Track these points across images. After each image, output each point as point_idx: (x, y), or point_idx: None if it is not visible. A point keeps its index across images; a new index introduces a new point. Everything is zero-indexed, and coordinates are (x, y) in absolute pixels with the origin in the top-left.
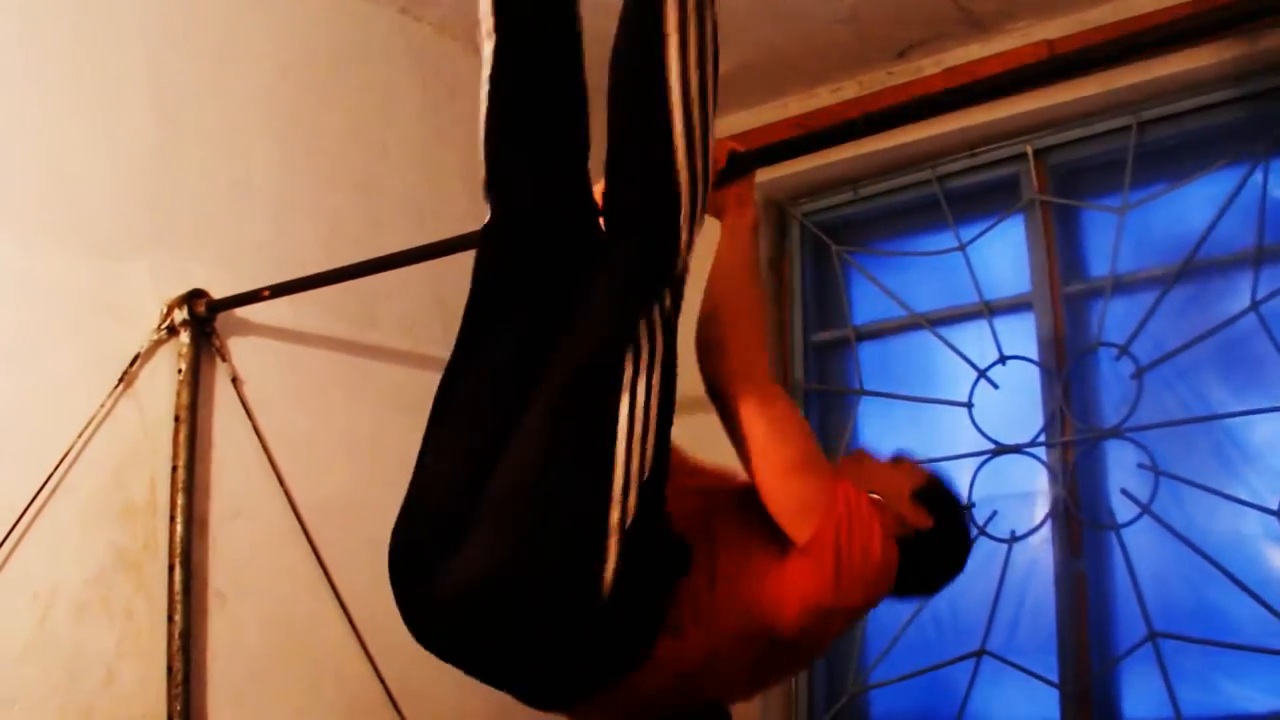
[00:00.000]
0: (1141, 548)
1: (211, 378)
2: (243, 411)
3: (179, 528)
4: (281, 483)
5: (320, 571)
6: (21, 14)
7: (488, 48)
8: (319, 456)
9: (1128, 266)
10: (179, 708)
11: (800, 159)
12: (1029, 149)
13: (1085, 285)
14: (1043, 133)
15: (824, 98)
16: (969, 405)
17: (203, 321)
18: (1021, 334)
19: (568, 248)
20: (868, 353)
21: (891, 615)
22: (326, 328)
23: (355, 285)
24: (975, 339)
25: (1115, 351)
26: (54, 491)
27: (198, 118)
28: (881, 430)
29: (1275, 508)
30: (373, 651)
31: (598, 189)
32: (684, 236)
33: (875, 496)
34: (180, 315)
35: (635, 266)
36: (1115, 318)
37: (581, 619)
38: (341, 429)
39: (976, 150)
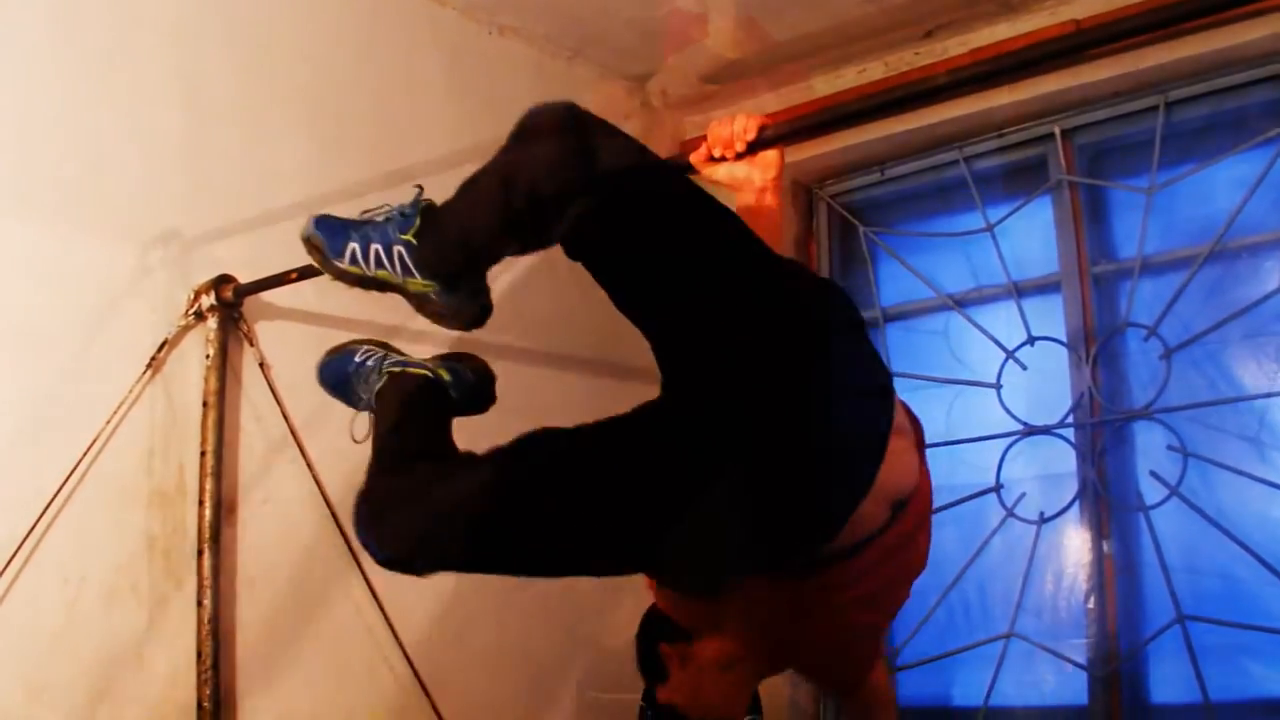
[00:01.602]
0: (1170, 530)
1: (239, 363)
2: (270, 396)
3: (207, 513)
4: (310, 467)
5: (349, 556)
6: (54, 3)
7: None
8: (345, 440)
9: (1156, 247)
10: (208, 692)
11: (827, 140)
12: (1057, 129)
13: (1113, 266)
14: (1070, 113)
15: (850, 79)
16: (997, 386)
17: (230, 307)
18: (1049, 315)
19: None
20: (895, 334)
21: (919, 598)
22: (353, 311)
23: None
24: (1003, 320)
25: (1144, 332)
26: (83, 478)
27: (226, 106)
28: None
29: None
30: (402, 637)
31: None
32: None
33: None
34: (208, 301)
35: None
36: (1143, 299)
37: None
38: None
39: (1004, 131)
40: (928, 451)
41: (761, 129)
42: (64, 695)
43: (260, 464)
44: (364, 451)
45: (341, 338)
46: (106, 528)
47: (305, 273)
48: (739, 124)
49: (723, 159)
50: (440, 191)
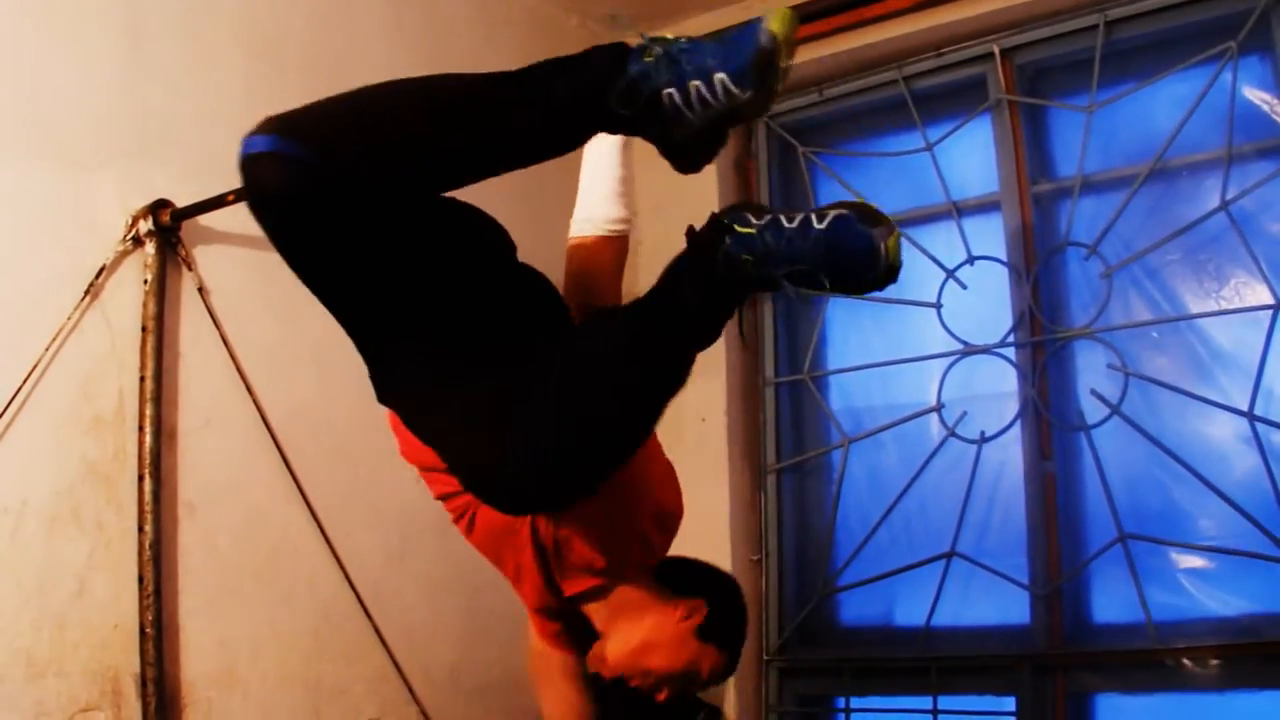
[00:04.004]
0: (1111, 449)
1: (178, 288)
2: (210, 321)
3: (148, 439)
4: (250, 392)
5: (290, 480)
6: None
7: None
8: (288, 365)
9: (1096, 166)
10: (150, 618)
11: None
12: (996, 49)
13: (1053, 185)
14: (1010, 32)
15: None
16: (938, 306)
17: (168, 231)
18: (989, 234)
19: None
20: None
21: (860, 518)
22: None
23: None
24: (943, 240)
25: (1084, 251)
26: (22, 405)
27: (163, 28)
28: (849, 332)
29: (1246, 409)
30: (343, 559)
31: None
32: None
33: None
34: (145, 226)
35: None
36: (1084, 218)
37: None
38: (310, 337)
39: (943, 50)
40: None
41: None
42: (6, 623)
43: (200, 389)
44: (306, 374)
45: (280, 261)
46: (46, 455)
47: (242, 195)
48: None
49: None
50: None
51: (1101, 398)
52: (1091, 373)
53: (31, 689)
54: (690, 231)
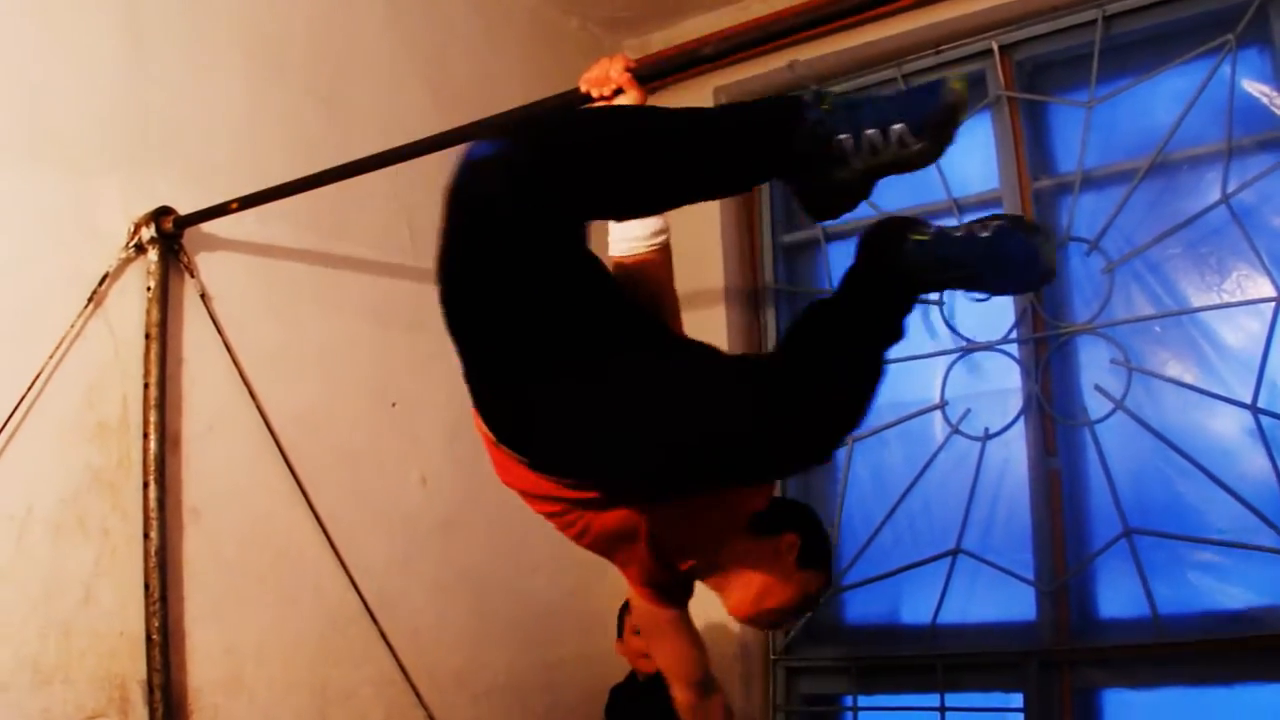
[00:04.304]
0: (1115, 444)
1: (181, 294)
2: (213, 327)
3: (152, 445)
4: (253, 397)
5: (294, 484)
6: None
7: None
8: (290, 370)
9: (1096, 161)
10: (156, 624)
11: (767, 60)
12: (995, 45)
13: (1054, 180)
14: (1008, 28)
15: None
16: (940, 303)
17: (170, 238)
18: None
19: None
20: (837, 253)
21: (864, 516)
22: (295, 241)
23: (323, 198)
24: None
25: (1085, 247)
26: (27, 413)
27: (165, 34)
28: None
29: (1249, 402)
30: (349, 563)
31: None
32: None
33: None
34: (148, 233)
35: None
36: (1084, 213)
37: None
38: (312, 341)
39: (942, 47)
40: None
41: (629, 68)
42: (13, 631)
43: (204, 395)
44: (308, 379)
45: (283, 267)
46: (51, 462)
47: (246, 203)
48: (603, 67)
49: (600, 98)
50: (379, 117)
51: (1105, 393)
52: (1094, 368)
53: (38, 696)
54: (865, 239)
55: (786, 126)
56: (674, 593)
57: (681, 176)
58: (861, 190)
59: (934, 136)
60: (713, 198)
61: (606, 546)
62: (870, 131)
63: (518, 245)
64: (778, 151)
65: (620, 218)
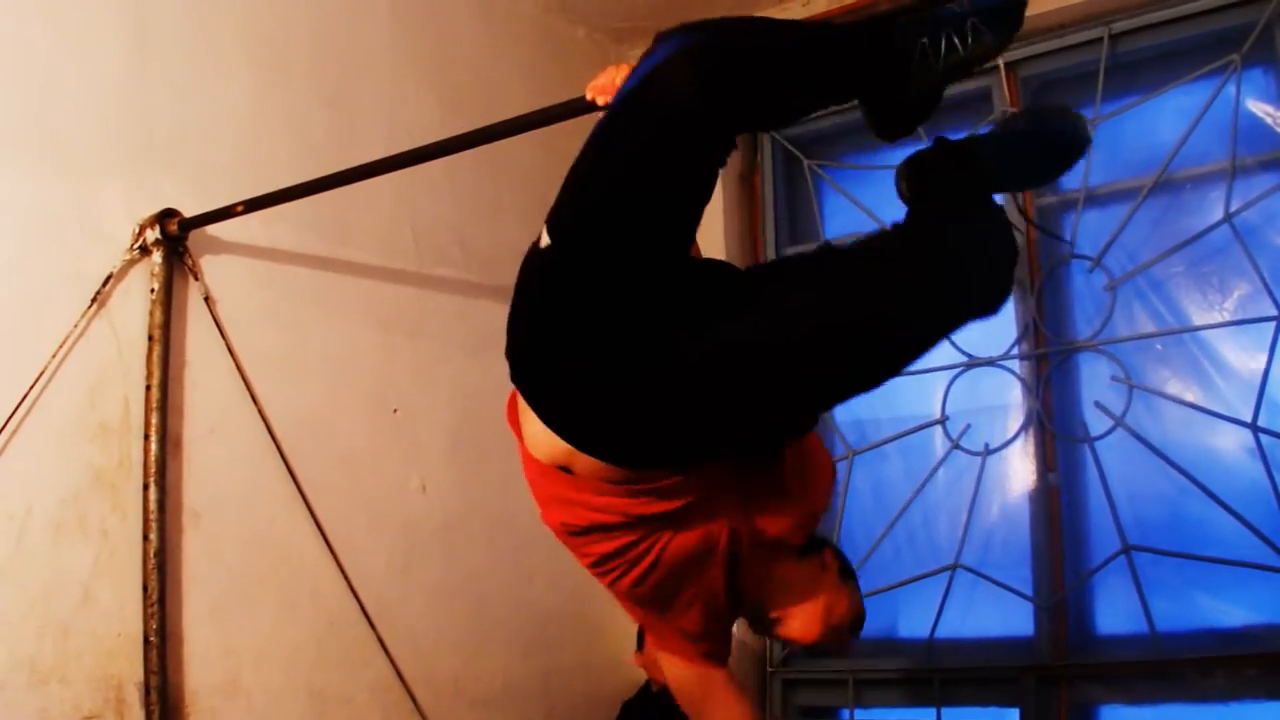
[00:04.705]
0: (1115, 461)
1: (184, 297)
2: (216, 330)
3: (153, 447)
4: (255, 401)
5: (295, 489)
6: None
7: None
8: (293, 374)
9: (1100, 179)
10: (155, 626)
11: None
12: (1000, 61)
13: (1057, 197)
14: (1014, 45)
15: (796, 10)
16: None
17: (175, 240)
18: None
19: None
20: None
21: (864, 530)
22: (299, 245)
23: (327, 202)
24: None
25: (1088, 264)
26: (29, 412)
27: (170, 36)
28: None
29: (1250, 420)
30: (348, 568)
31: None
32: None
33: None
34: (152, 235)
35: None
36: (1088, 230)
37: None
38: (315, 346)
39: None
40: None
41: None
42: (11, 630)
43: (206, 398)
44: (311, 383)
45: (286, 271)
46: (52, 462)
47: (250, 206)
48: (609, 75)
49: (605, 106)
50: (384, 120)
51: (1105, 410)
52: (1095, 385)
53: (35, 696)
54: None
55: (886, 35)
56: (724, 644)
57: (812, 84)
58: (938, 96)
59: (1002, 26)
60: (824, 106)
61: (676, 579)
62: (947, 30)
63: (692, 149)
64: (880, 59)
65: (763, 127)
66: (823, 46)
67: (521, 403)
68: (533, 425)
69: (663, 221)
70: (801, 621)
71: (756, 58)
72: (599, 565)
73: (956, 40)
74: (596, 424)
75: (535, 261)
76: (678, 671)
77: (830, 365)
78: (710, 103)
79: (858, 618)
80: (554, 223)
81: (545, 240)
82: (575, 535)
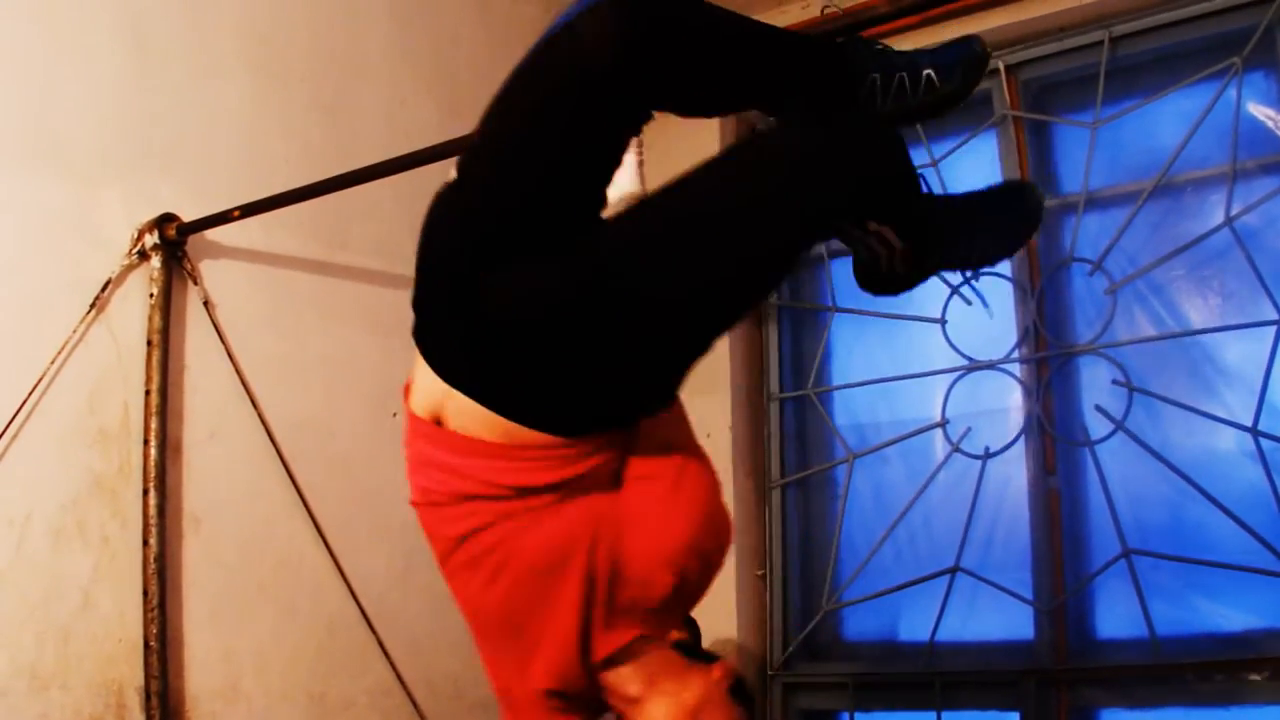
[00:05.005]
0: (1116, 465)
1: (183, 301)
2: (215, 335)
3: (153, 452)
4: (255, 405)
5: (295, 493)
6: None
7: None
8: (292, 378)
9: (1101, 182)
10: (155, 631)
11: None
12: (1001, 64)
13: (1058, 201)
14: (1015, 48)
15: (794, 14)
16: (942, 322)
17: (174, 245)
18: None
19: None
20: (841, 269)
21: (864, 533)
22: (298, 250)
23: (327, 207)
24: None
25: (1088, 267)
26: (28, 418)
27: (168, 41)
28: (853, 347)
29: (1250, 424)
30: (348, 572)
31: None
32: None
33: None
34: (151, 240)
35: None
36: (1088, 234)
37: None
38: (314, 350)
39: None
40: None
41: None
42: (11, 636)
43: (205, 402)
44: (310, 388)
45: (286, 275)
46: (51, 467)
47: (249, 210)
48: None
49: None
50: (382, 126)
51: (1106, 413)
52: (1096, 388)
53: (36, 702)
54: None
55: (836, 55)
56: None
57: (743, 76)
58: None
59: (961, 81)
60: (750, 105)
61: (526, 590)
62: (901, 74)
63: (593, 113)
64: (826, 77)
65: (684, 111)
66: (767, 42)
67: (415, 360)
68: (418, 377)
69: (559, 182)
70: (663, 710)
71: (689, 28)
72: (450, 555)
73: (908, 85)
74: (480, 362)
75: (439, 198)
76: None
77: (722, 258)
78: (623, 65)
79: None
80: (460, 161)
81: (452, 174)
82: (431, 506)
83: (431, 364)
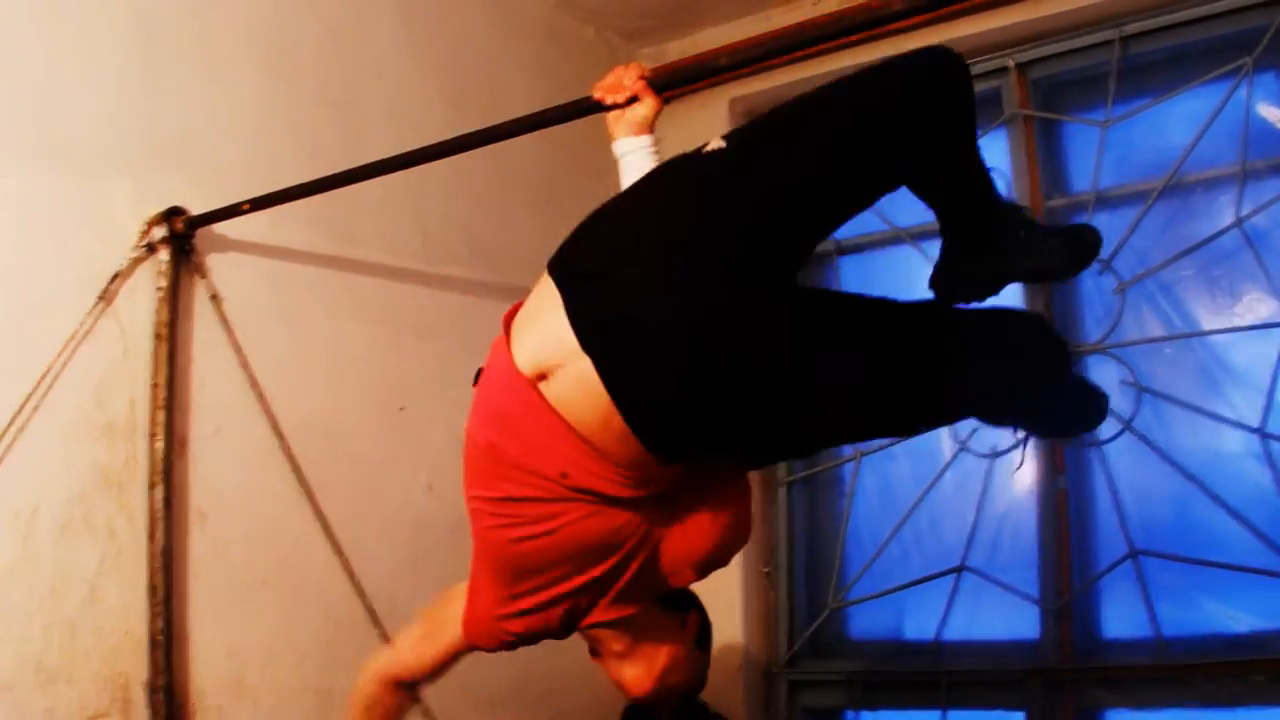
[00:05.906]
0: (1123, 465)
1: (191, 295)
2: (222, 329)
3: (160, 445)
4: (262, 400)
5: (301, 488)
6: None
7: None
8: (300, 373)
9: (1110, 181)
10: (161, 626)
11: (783, 73)
12: (1011, 63)
13: (1068, 200)
14: (1025, 47)
15: (806, 10)
16: None
17: (182, 239)
18: None
19: None
20: (850, 267)
21: (871, 531)
22: (307, 244)
23: (335, 201)
24: None
25: (1098, 266)
26: (35, 410)
27: (177, 35)
28: None
29: (1258, 425)
30: (355, 567)
31: None
32: None
33: None
34: (159, 233)
35: None
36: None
37: None
38: (322, 345)
39: None
40: None
41: (644, 76)
42: (17, 629)
43: (212, 396)
44: (318, 382)
45: (294, 270)
46: (58, 461)
47: (258, 204)
48: (617, 75)
49: (614, 105)
50: (392, 121)
51: (1113, 413)
52: (1104, 388)
53: (42, 695)
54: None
55: (1005, 207)
56: (502, 641)
57: (964, 176)
58: (992, 288)
59: (1076, 257)
60: (938, 201)
61: (559, 557)
62: (1041, 237)
63: (886, 129)
64: (987, 214)
65: (916, 173)
66: (982, 166)
67: (530, 310)
68: (540, 326)
69: (818, 202)
70: (636, 672)
71: (970, 116)
72: (485, 495)
73: (1041, 248)
74: (661, 356)
75: (693, 162)
76: (451, 609)
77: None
78: (928, 96)
79: (700, 680)
80: (734, 135)
81: (717, 144)
82: (489, 452)
83: (589, 329)
